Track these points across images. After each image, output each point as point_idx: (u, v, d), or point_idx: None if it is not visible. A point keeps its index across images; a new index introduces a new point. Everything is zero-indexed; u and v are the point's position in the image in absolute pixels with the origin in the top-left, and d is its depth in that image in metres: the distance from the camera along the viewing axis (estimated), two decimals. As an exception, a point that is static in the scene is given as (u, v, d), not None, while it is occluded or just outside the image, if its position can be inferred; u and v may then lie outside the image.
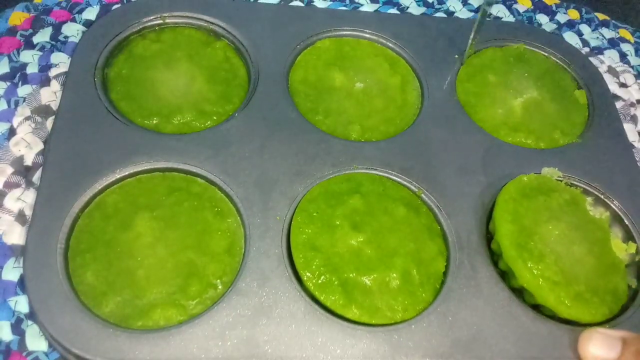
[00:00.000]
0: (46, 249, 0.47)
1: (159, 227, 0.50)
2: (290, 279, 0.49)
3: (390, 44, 0.68)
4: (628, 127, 0.70)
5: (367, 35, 0.68)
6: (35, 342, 0.48)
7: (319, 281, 0.50)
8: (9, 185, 0.55)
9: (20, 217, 0.54)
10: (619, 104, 0.73)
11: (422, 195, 0.56)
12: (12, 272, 0.51)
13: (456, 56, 0.67)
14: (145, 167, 0.53)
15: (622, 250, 0.55)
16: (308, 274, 0.50)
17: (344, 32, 0.68)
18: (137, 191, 0.52)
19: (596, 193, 0.59)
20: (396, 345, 0.47)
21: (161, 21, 0.64)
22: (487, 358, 0.48)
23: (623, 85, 0.77)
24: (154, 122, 0.57)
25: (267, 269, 0.49)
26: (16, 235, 0.53)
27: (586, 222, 0.56)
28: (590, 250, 0.54)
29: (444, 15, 0.77)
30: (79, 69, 0.58)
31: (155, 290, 0.47)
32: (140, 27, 0.63)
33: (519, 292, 0.52)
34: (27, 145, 0.57)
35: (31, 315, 0.49)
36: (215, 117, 0.58)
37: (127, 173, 0.53)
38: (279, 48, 0.64)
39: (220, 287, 0.49)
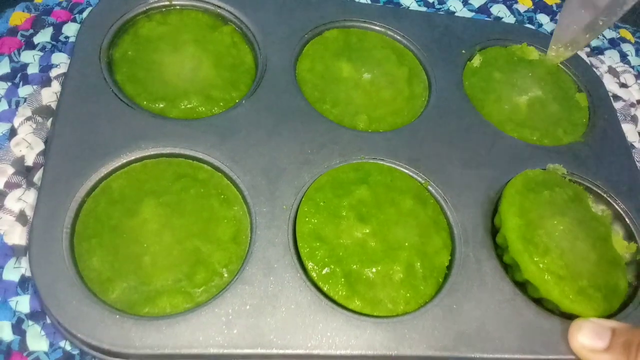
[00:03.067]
0: (52, 233, 0.47)
1: (165, 213, 0.50)
2: (296, 268, 0.49)
3: (397, 37, 0.68)
4: (628, 127, 0.71)
5: (376, 27, 0.68)
6: (36, 342, 0.48)
7: (322, 272, 0.50)
8: (10, 186, 0.54)
9: (21, 217, 0.53)
10: (619, 104, 0.74)
11: (429, 187, 0.56)
12: (13, 272, 0.51)
13: (463, 51, 0.68)
14: (152, 152, 0.53)
15: (623, 247, 0.56)
16: (312, 264, 0.50)
17: (352, 23, 0.67)
18: (143, 176, 0.52)
19: (599, 192, 0.59)
20: (400, 336, 0.47)
21: (167, 2, 0.63)
22: (490, 351, 0.48)
23: (623, 85, 0.77)
24: (160, 106, 0.56)
25: (273, 258, 0.49)
26: (17, 236, 0.52)
27: (589, 218, 0.56)
28: (592, 245, 0.54)
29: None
30: (84, 49, 0.57)
31: (162, 278, 0.47)
32: (147, 7, 0.62)
33: (523, 286, 0.53)
34: (28, 145, 0.57)
35: (36, 298, 0.49)
36: (221, 103, 0.58)
37: (133, 158, 0.52)
38: (287, 36, 0.63)
39: (226, 275, 0.48)
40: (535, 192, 0.55)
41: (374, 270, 0.50)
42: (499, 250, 0.54)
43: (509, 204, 0.54)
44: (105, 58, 0.58)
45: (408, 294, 0.50)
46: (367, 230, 0.52)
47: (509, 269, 0.53)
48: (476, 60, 0.68)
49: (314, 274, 0.49)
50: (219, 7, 0.64)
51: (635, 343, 0.46)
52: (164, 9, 0.63)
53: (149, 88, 0.57)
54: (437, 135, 0.59)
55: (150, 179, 0.52)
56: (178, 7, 0.64)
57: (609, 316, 0.52)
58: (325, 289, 0.49)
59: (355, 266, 0.50)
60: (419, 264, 0.51)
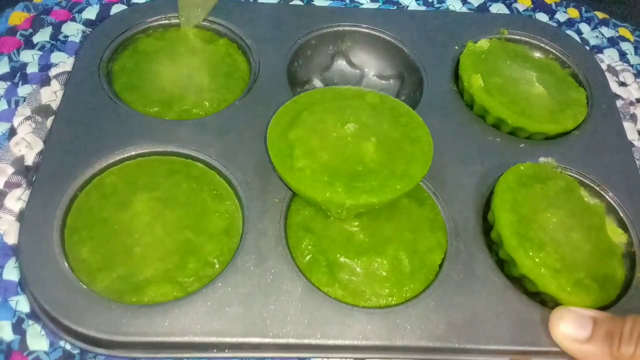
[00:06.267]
0: (42, 225, 0.48)
1: (157, 207, 0.50)
2: (288, 259, 0.49)
3: (388, 38, 0.68)
4: (627, 125, 0.71)
5: (366, 31, 0.68)
6: (36, 341, 0.49)
7: (305, 260, 0.50)
8: (10, 185, 0.56)
9: (21, 216, 0.54)
10: (618, 103, 0.73)
11: (420, 183, 0.56)
12: (13, 271, 0.52)
13: (455, 48, 0.68)
14: (145, 150, 0.54)
15: (618, 235, 0.56)
16: (297, 253, 0.50)
17: (343, 28, 0.68)
18: (136, 173, 0.53)
19: (591, 185, 0.59)
20: (393, 327, 0.47)
21: (166, 21, 0.65)
22: (481, 342, 0.48)
23: (622, 84, 0.77)
24: (155, 110, 0.58)
25: (265, 249, 0.49)
26: (17, 235, 0.53)
27: (582, 208, 0.56)
28: (587, 236, 0.54)
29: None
30: (84, 63, 0.59)
31: (152, 267, 0.48)
32: (146, 26, 0.64)
33: (520, 281, 0.52)
34: (27, 145, 0.58)
35: (22, 285, 0.49)
36: (215, 105, 0.59)
37: (126, 155, 0.53)
38: (280, 44, 0.65)
39: (217, 265, 0.49)
40: (527, 186, 0.55)
41: (358, 261, 0.50)
42: (494, 247, 0.54)
43: (501, 200, 0.54)
44: (104, 70, 0.59)
45: (393, 288, 0.50)
46: (357, 223, 0.52)
47: (505, 264, 0.53)
48: (484, 44, 0.67)
49: (298, 262, 0.50)
50: (215, 22, 0.66)
51: (617, 334, 0.45)
52: (161, 28, 0.65)
53: (145, 94, 0.59)
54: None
55: (143, 175, 0.53)
56: (176, 24, 0.65)
57: (607, 306, 0.51)
58: (308, 276, 0.49)
59: (339, 256, 0.50)
60: (407, 259, 0.51)
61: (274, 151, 0.51)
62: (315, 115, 0.54)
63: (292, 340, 0.46)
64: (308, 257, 0.50)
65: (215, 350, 0.45)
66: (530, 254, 0.51)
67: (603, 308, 0.51)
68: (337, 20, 0.68)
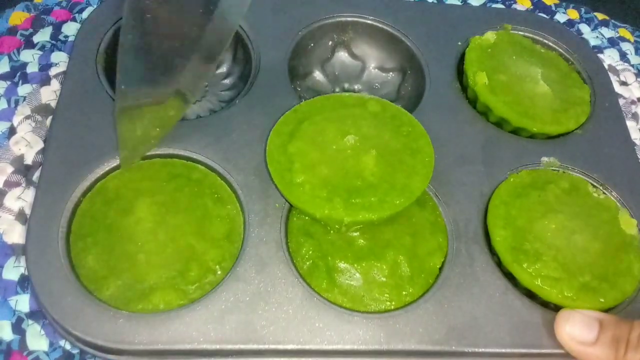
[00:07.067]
0: (48, 233, 0.48)
1: (160, 212, 0.50)
2: (289, 265, 0.49)
3: (391, 30, 0.68)
4: (630, 124, 0.71)
5: (369, 22, 0.68)
6: (36, 341, 0.49)
7: (305, 266, 0.50)
8: (9, 184, 0.56)
9: (21, 216, 0.54)
10: (620, 102, 0.73)
11: None
12: (12, 271, 0.52)
13: (459, 43, 0.67)
14: (147, 153, 0.53)
15: (632, 225, 0.55)
16: (298, 258, 0.51)
17: (346, 19, 0.67)
18: (138, 177, 0.52)
19: (595, 184, 0.59)
20: (392, 331, 0.48)
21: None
22: (481, 345, 0.48)
23: (624, 83, 0.77)
24: None
25: (266, 255, 0.49)
26: (16, 235, 0.53)
27: (590, 206, 0.56)
28: (594, 235, 0.53)
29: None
30: (81, 52, 0.58)
31: (156, 275, 0.48)
32: None
33: (531, 293, 0.52)
34: (27, 144, 0.58)
35: (34, 295, 0.49)
36: None
37: (128, 159, 0.53)
38: (280, 34, 0.64)
39: (219, 272, 0.49)
40: (522, 196, 0.55)
41: (358, 267, 0.50)
42: (495, 258, 0.53)
43: (493, 217, 0.53)
44: (102, 60, 0.58)
45: (392, 292, 0.50)
46: (357, 227, 0.52)
47: (512, 280, 0.52)
48: (490, 36, 0.66)
49: (299, 267, 0.50)
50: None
51: (624, 338, 0.45)
52: None
53: None
54: (430, 131, 0.57)
55: (145, 178, 0.52)
56: None
57: (621, 304, 0.51)
58: (308, 281, 0.49)
59: (339, 262, 0.50)
60: (406, 263, 0.51)
61: (274, 165, 0.51)
62: (315, 126, 0.54)
63: (292, 347, 0.46)
64: (308, 262, 0.50)
65: (218, 357, 0.46)
66: (525, 266, 0.51)
67: (617, 306, 0.51)
68: (339, 11, 0.67)
